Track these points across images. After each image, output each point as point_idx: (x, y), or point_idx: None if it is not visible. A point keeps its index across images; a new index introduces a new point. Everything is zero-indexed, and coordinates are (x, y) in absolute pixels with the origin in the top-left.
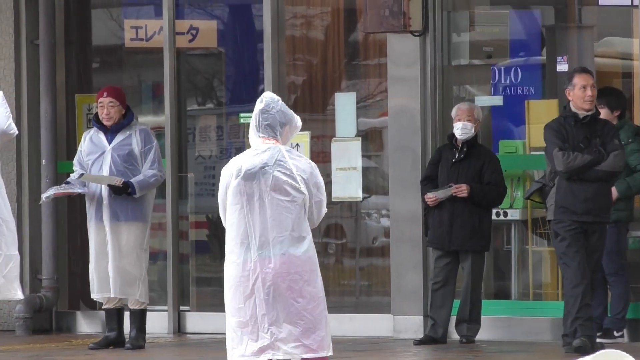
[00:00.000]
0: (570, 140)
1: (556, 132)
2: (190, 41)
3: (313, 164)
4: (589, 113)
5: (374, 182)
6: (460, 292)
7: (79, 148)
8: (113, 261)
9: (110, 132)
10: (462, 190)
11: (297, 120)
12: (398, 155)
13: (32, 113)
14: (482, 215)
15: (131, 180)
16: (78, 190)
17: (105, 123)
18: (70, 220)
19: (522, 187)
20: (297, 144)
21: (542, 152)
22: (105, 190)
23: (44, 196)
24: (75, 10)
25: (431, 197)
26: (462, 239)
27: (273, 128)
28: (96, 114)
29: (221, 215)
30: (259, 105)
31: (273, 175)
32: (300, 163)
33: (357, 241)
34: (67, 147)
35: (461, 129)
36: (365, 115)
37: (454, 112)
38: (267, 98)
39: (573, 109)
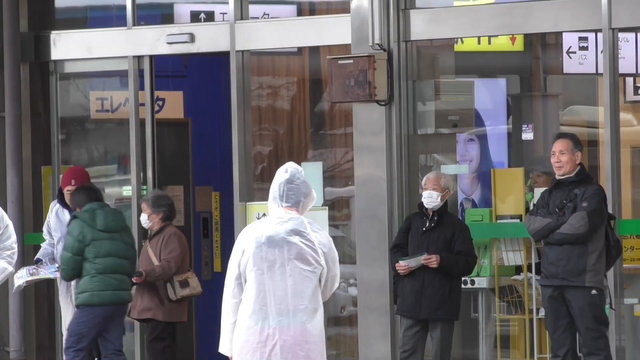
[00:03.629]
0: (551, 205)
1: (540, 199)
2: (156, 112)
3: (330, 238)
4: (563, 178)
5: (341, 251)
6: None
7: (47, 220)
8: None
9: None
10: (432, 260)
11: (314, 191)
12: (365, 224)
13: None
14: (452, 285)
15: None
16: (49, 275)
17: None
18: (38, 292)
19: (489, 255)
20: (264, 214)
21: (508, 221)
22: None
23: (16, 285)
24: (40, 82)
25: (403, 265)
26: (432, 307)
27: (297, 199)
28: (60, 191)
29: (229, 279)
30: (283, 175)
31: (296, 245)
32: (321, 236)
33: (325, 310)
34: (34, 220)
35: (427, 198)
36: (331, 185)
37: (423, 181)
38: (292, 169)
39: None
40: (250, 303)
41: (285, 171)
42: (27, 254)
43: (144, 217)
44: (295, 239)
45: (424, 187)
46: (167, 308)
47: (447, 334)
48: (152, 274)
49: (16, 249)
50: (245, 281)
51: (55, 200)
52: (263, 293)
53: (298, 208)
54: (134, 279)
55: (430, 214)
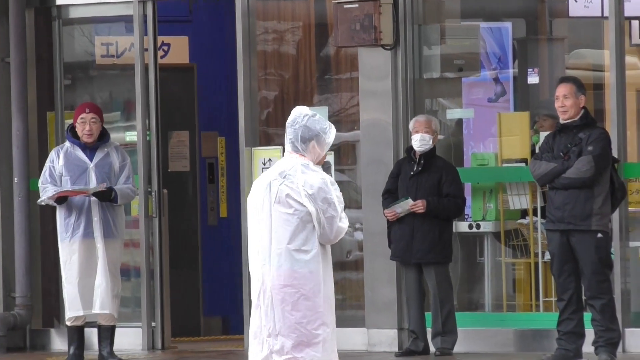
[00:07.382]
0: (555, 150)
1: (544, 143)
2: (162, 57)
3: (328, 179)
4: (567, 122)
5: (347, 196)
6: (431, 305)
7: (50, 164)
8: (105, 278)
9: (89, 149)
10: (418, 206)
11: (328, 136)
12: (371, 168)
13: (4, 131)
14: (442, 228)
15: (114, 187)
16: (79, 187)
17: (86, 140)
18: (44, 237)
19: (495, 199)
20: (270, 159)
21: (514, 164)
22: (96, 206)
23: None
24: (45, 27)
25: (389, 212)
26: (422, 252)
27: (294, 143)
28: (72, 130)
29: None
30: (289, 118)
31: (278, 188)
32: (310, 177)
33: (332, 254)
34: (39, 165)
35: (419, 141)
36: (337, 129)
37: (411, 125)
38: (295, 113)
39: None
40: (250, 249)
41: (291, 115)
42: (33, 199)
43: None
44: (277, 182)
45: (414, 130)
46: None
47: (442, 276)
48: None
49: None
50: None
51: (60, 146)
52: (255, 240)
53: (300, 152)
54: None
55: (417, 157)
